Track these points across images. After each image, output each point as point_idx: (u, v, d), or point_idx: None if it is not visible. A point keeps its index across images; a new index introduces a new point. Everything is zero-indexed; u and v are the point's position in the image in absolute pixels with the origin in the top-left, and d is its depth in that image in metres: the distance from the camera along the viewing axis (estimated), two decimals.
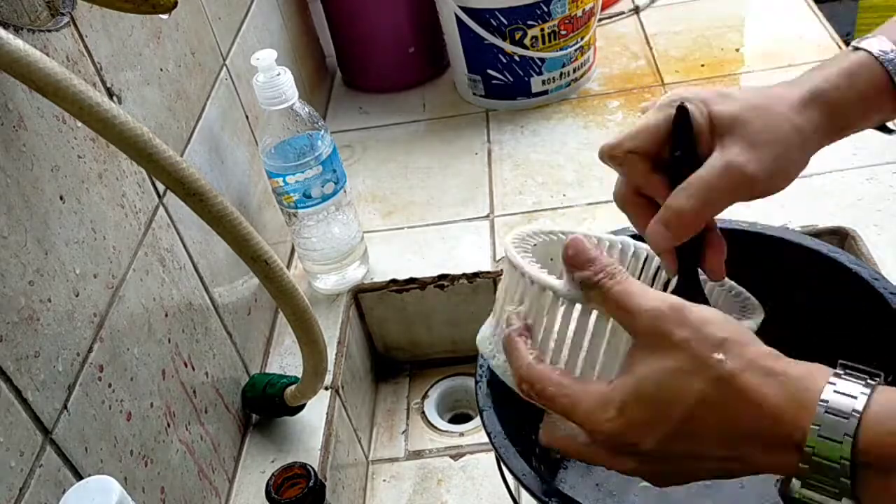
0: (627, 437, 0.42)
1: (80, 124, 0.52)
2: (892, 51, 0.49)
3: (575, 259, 0.45)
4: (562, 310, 0.46)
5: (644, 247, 0.59)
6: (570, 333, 0.46)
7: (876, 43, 0.50)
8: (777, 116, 0.49)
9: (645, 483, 0.46)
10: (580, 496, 0.61)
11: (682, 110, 0.50)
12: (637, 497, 0.67)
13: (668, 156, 0.51)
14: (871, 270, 0.60)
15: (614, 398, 0.42)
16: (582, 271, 0.44)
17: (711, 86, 1.08)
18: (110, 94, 0.60)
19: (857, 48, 0.51)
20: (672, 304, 0.42)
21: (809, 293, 0.63)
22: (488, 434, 0.56)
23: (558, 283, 0.46)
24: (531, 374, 0.45)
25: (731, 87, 0.53)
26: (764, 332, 0.57)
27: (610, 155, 0.52)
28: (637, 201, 0.53)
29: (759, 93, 0.50)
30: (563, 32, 1.06)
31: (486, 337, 0.52)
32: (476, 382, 0.59)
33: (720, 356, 0.40)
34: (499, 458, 0.55)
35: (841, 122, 0.51)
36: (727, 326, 0.42)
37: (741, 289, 0.56)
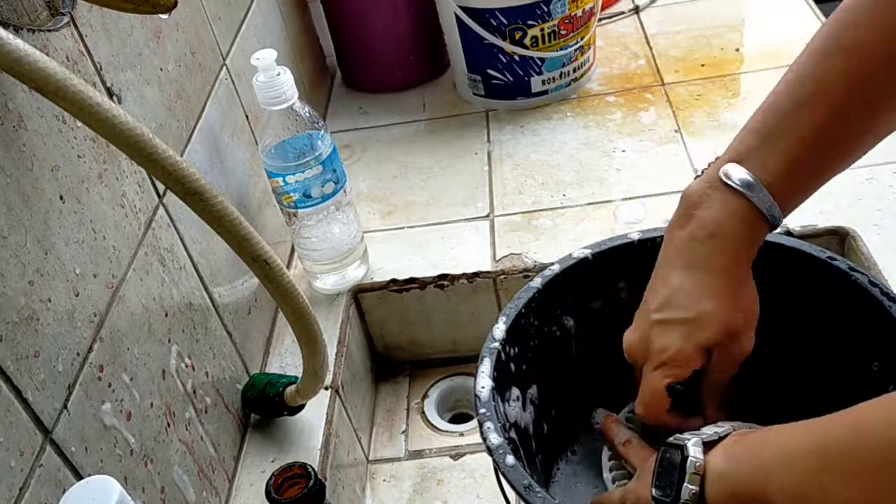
0: None
1: (80, 124, 0.52)
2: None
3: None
4: None
5: None
6: None
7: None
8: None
9: None
10: None
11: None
12: None
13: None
14: (871, 276, 0.60)
15: None
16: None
17: (711, 85, 1.08)
18: (110, 93, 0.60)
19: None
20: None
21: (808, 299, 0.63)
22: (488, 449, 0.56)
23: None
24: None
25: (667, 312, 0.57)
26: (764, 339, 0.58)
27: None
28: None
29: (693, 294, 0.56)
30: (563, 32, 1.06)
31: None
32: (475, 396, 0.59)
33: None
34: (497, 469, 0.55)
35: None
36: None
37: None
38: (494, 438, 0.55)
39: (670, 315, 0.56)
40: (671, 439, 0.50)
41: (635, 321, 0.60)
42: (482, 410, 0.57)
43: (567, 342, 0.69)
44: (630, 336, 0.60)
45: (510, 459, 0.54)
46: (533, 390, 0.67)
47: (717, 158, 0.57)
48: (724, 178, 0.54)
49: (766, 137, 0.54)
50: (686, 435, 0.49)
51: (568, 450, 0.71)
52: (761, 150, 0.54)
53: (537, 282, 0.66)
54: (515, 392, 0.64)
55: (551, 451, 0.70)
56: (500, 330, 0.63)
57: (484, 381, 0.59)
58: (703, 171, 0.57)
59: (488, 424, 0.56)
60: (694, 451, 0.47)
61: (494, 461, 0.55)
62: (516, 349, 0.64)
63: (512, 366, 0.64)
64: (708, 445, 0.48)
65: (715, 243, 0.55)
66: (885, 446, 0.38)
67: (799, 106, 0.53)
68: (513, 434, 0.62)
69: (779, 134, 0.54)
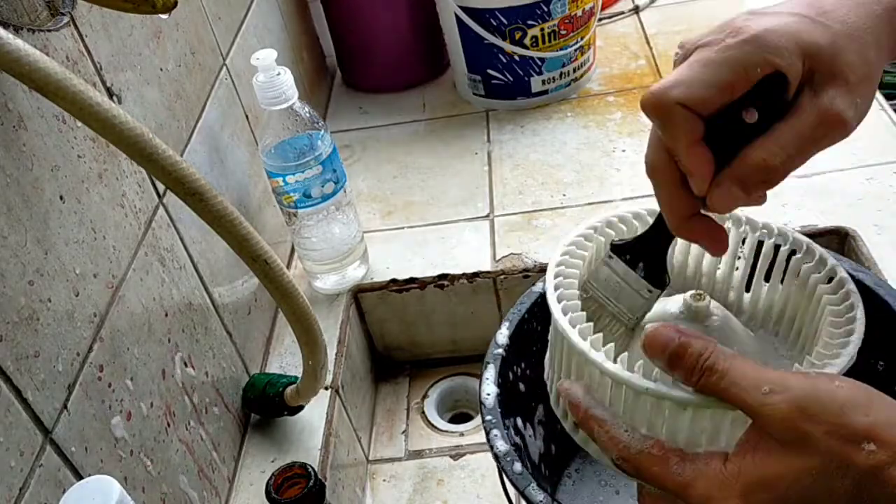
0: None
1: (80, 124, 0.52)
2: None
3: (656, 355, 0.42)
4: (645, 402, 0.44)
5: None
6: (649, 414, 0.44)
7: None
8: (869, 46, 0.40)
9: None
10: None
11: (778, 77, 0.39)
12: None
13: (723, 119, 0.41)
14: (874, 277, 0.60)
15: (736, 484, 0.39)
16: (673, 370, 0.41)
17: None
18: (110, 94, 0.60)
19: None
20: (802, 393, 0.38)
21: None
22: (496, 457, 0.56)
23: (636, 378, 0.43)
24: (630, 456, 0.43)
25: None
26: None
27: (654, 103, 0.41)
28: (671, 170, 0.43)
29: (843, 5, 0.40)
30: (563, 32, 1.06)
31: (556, 405, 0.51)
32: (480, 404, 0.59)
33: (870, 447, 0.36)
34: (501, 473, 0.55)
35: None
36: (871, 408, 0.37)
37: (853, 303, 0.48)
38: (501, 445, 0.55)
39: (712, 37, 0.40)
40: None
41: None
42: (488, 417, 0.57)
43: None
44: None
45: (517, 467, 0.54)
46: (540, 410, 0.67)
47: None
48: None
49: None
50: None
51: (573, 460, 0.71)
52: None
53: (540, 286, 0.66)
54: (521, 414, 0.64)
55: (557, 464, 0.70)
56: (503, 335, 0.63)
57: (489, 388, 0.59)
58: None
59: (495, 431, 0.56)
60: None
61: (502, 468, 0.55)
62: (522, 364, 0.64)
63: (521, 385, 0.64)
64: None
65: None
66: None
67: None
68: (518, 440, 0.62)
69: None
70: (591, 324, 0.47)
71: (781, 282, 0.54)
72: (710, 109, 0.40)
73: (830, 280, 0.50)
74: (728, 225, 0.55)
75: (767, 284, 0.55)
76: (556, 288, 0.49)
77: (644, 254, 0.49)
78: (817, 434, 0.37)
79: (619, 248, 0.50)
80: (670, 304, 0.51)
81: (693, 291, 0.50)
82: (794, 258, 0.52)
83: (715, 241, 0.45)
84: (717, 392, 0.40)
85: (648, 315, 0.51)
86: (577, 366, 0.47)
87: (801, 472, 0.37)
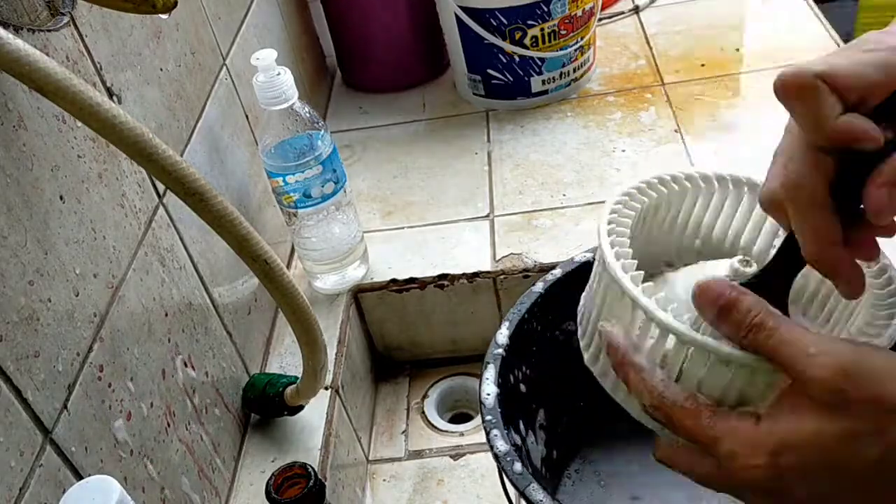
0: (776, 483, 0.39)
1: (80, 124, 0.52)
2: None
3: (706, 306, 0.41)
4: (688, 352, 0.43)
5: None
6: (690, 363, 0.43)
7: None
8: None
9: None
10: None
11: None
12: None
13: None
14: None
15: (766, 443, 0.39)
16: (722, 323, 0.41)
17: (711, 85, 1.09)
18: (110, 94, 0.60)
19: None
20: (848, 357, 0.37)
21: None
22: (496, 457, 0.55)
23: (684, 328, 0.43)
24: (663, 405, 0.43)
25: None
26: None
27: (792, 81, 0.37)
28: (821, 189, 0.39)
29: None
30: (563, 32, 1.06)
31: (587, 349, 0.50)
32: (480, 404, 0.58)
33: None
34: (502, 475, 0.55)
35: None
36: None
37: (893, 275, 0.47)
38: (501, 445, 0.55)
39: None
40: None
41: None
42: (488, 417, 0.57)
43: (570, 347, 0.69)
44: None
45: (518, 466, 0.54)
46: (541, 414, 0.67)
47: None
48: None
49: None
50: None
51: (573, 461, 0.71)
52: None
53: (539, 286, 0.66)
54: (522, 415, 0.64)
55: (558, 466, 0.70)
56: (503, 335, 0.63)
57: (489, 388, 0.59)
58: None
59: (495, 431, 0.56)
60: None
61: (502, 468, 0.54)
62: (523, 367, 0.64)
63: (522, 387, 0.64)
64: None
65: None
66: None
67: None
68: (518, 441, 0.62)
69: None
70: (642, 272, 0.46)
71: None
72: (852, 97, 0.37)
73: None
74: None
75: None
76: (610, 234, 0.48)
77: (766, 287, 0.45)
78: (857, 399, 0.36)
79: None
80: (717, 268, 0.50)
81: (741, 257, 0.48)
82: None
83: (855, 279, 0.42)
84: (765, 350, 0.39)
85: (696, 276, 0.49)
86: (621, 309, 0.46)
87: (832, 436, 0.37)
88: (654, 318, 0.44)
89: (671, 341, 0.44)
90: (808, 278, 0.53)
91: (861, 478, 0.37)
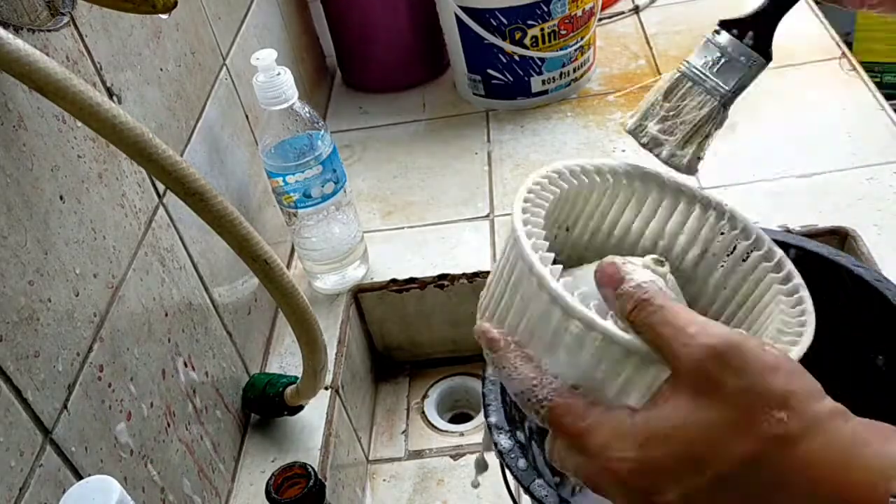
0: (644, 481, 0.35)
1: (80, 124, 0.52)
2: None
3: (604, 283, 0.39)
4: (592, 340, 0.40)
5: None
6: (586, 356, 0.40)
7: None
8: None
9: None
10: None
11: None
12: None
13: None
14: (874, 272, 0.60)
15: (636, 433, 0.35)
16: (616, 298, 0.38)
17: None
18: (110, 94, 0.60)
19: None
20: (726, 342, 0.34)
21: (811, 295, 0.63)
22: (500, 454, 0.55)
23: (571, 298, 0.40)
24: (535, 396, 0.40)
25: None
26: None
27: None
28: None
29: None
30: (563, 32, 1.06)
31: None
32: (483, 400, 0.58)
33: (781, 415, 0.33)
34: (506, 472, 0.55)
35: None
36: (793, 377, 0.34)
37: (803, 296, 0.48)
38: (505, 442, 0.55)
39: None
40: None
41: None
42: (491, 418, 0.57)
43: None
44: None
45: (522, 463, 0.53)
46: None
47: None
48: None
49: None
50: None
51: None
52: None
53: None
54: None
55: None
56: None
57: (492, 386, 0.59)
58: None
59: (498, 429, 0.56)
60: None
61: (506, 465, 0.54)
62: None
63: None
64: None
65: None
66: None
67: None
68: (522, 440, 0.62)
69: None
70: (552, 255, 0.44)
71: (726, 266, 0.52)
72: None
73: (779, 270, 0.49)
74: (696, 209, 0.54)
75: (721, 268, 0.53)
76: (525, 223, 0.47)
77: (756, 25, 0.51)
78: (730, 386, 0.33)
79: (728, 23, 0.50)
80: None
81: (654, 256, 0.47)
82: (741, 244, 0.51)
83: None
84: (648, 327, 0.36)
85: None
86: (528, 291, 0.44)
87: (702, 426, 0.34)
88: (545, 287, 0.41)
89: (559, 320, 0.41)
90: (727, 277, 0.53)
91: (728, 478, 0.33)
